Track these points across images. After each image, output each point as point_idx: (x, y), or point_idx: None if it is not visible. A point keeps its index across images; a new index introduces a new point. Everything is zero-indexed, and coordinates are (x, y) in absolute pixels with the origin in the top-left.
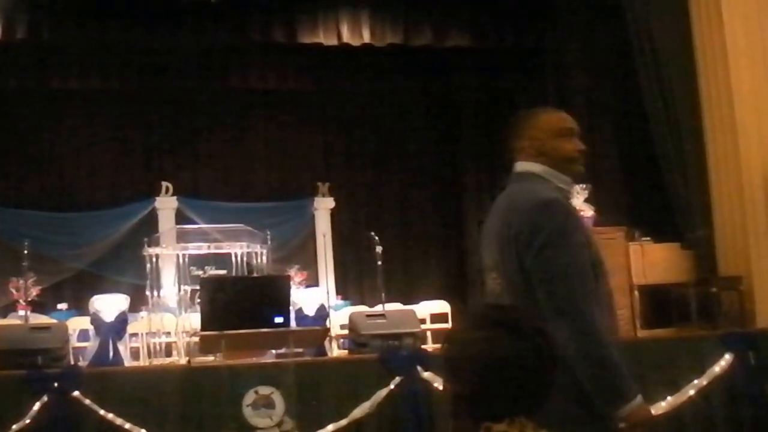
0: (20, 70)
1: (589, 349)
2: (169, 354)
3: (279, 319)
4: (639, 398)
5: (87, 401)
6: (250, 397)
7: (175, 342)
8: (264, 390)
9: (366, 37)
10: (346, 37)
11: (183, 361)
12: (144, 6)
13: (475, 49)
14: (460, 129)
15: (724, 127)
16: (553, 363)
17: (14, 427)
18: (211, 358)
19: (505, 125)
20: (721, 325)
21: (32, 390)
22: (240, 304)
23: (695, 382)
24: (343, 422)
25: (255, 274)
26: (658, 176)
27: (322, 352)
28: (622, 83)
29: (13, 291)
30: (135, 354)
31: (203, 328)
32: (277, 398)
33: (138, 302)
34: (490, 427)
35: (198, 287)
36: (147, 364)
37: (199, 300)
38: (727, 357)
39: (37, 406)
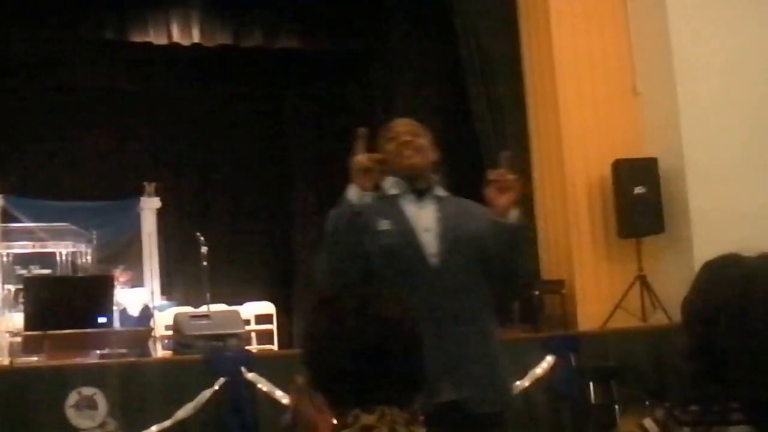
0: None
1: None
2: None
3: (102, 320)
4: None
5: None
6: (72, 398)
7: None
8: (87, 391)
9: (196, 37)
10: (177, 36)
11: (5, 361)
12: None
13: (305, 52)
14: (289, 131)
15: (549, 134)
16: (391, 348)
17: None
18: (34, 358)
19: (333, 128)
20: (543, 328)
21: None
22: (64, 303)
23: (517, 383)
24: (167, 423)
25: (79, 274)
26: (483, 182)
27: (146, 352)
28: (451, 88)
29: None
30: None
31: (26, 328)
32: (100, 399)
33: None
34: (358, 416)
35: (22, 286)
36: None
37: (22, 299)
38: (549, 359)
39: None
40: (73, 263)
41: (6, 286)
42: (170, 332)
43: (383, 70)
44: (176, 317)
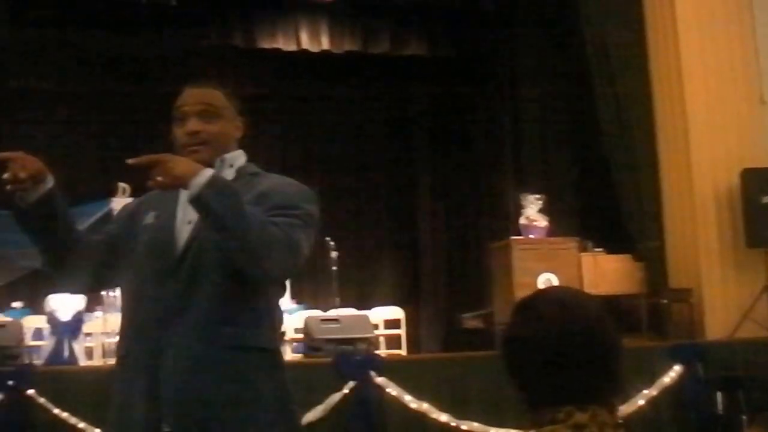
0: None
1: None
2: None
3: None
4: None
5: (41, 400)
6: None
7: None
8: None
9: (325, 44)
10: (305, 43)
11: None
12: (103, 8)
13: (432, 58)
14: (415, 136)
15: (677, 140)
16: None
17: None
18: None
19: (459, 133)
20: (671, 336)
21: None
22: None
23: (645, 392)
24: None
25: None
26: (611, 187)
27: None
28: (576, 94)
29: None
30: (90, 353)
31: None
32: None
33: (93, 302)
34: (571, 413)
35: None
36: (102, 363)
37: None
38: (677, 368)
39: None
40: None
41: None
42: (300, 335)
43: (509, 77)
44: (307, 320)
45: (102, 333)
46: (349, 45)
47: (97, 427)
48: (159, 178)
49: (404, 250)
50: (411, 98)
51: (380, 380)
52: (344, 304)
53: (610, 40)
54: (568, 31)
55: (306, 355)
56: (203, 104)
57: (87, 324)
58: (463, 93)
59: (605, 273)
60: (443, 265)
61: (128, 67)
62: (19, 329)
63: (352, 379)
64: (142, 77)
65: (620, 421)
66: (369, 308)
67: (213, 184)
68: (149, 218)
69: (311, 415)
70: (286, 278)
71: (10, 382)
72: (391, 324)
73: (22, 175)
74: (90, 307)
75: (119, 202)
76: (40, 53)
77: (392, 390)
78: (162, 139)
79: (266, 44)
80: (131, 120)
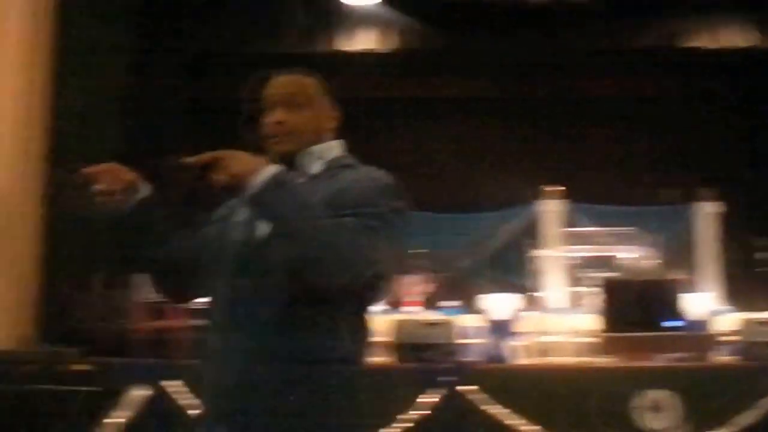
0: (401, 77)
1: None
2: (554, 353)
3: (673, 323)
4: None
5: (477, 396)
6: (643, 400)
7: (560, 341)
8: (657, 393)
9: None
10: (724, 40)
11: (571, 360)
12: (514, 12)
13: None
14: None
15: None
16: None
17: (401, 417)
18: (605, 358)
19: None
20: None
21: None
22: (637, 306)
23: None
24: (732, 430)
25: (645, 278)
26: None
27: (709, 357)
28: None
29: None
30: (522, 352)
31: (606, 330)
32: (672, 402)
33: (528, 302)
34: None
35: (587, 289)
36: (534, 362)
37: (590, 302)
38: None
39: (429, 399)
40: (642, 267)
41: (572, 289)
42: (731, 338)
43: None
44: (742, 322)
45: (533, 332)
46: None
47: (532, 423)
48: (217, 178)
49: None
50: None
51: None
52: None
53: None
54: None
55: (746, 357)
56: (289, 93)
57: (520, 323)
58: None
59: None
60: None
61: (546, 69)
62: (450, 327)
63: None
64: (568, 77)
65: None
66: None
67: (272, 184)
68: (241, 214)
69: (745, 419)
70: (351, 287)
71: (446, 378)
72: None
73: (112, 187)
74: (525, 307)
75: (547, 204)
76: (465, 60)
77: None
78: (577, 140)
79: (683, 43)
80: (555, 121)
